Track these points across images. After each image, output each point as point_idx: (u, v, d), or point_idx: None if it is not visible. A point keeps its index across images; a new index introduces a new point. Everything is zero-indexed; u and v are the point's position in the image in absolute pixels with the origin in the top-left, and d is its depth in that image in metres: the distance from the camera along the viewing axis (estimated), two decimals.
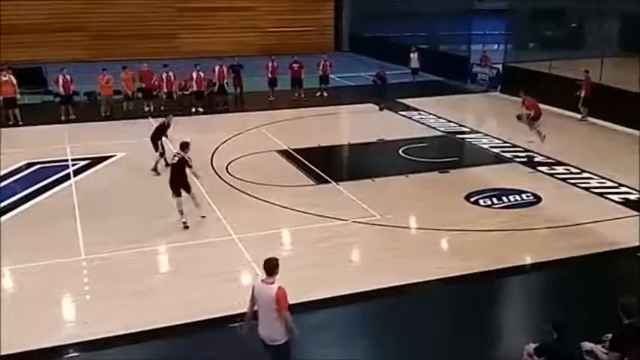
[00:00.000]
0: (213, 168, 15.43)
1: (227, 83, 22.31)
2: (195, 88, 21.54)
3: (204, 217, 12.16)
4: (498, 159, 16.29)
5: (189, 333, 8.46)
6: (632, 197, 13.19)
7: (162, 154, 14.78)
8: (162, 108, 21.44)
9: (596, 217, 12.04)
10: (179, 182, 11.81)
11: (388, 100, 22.72)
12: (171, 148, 13.99)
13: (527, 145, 17.06)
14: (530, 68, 23.50)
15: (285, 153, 16.60)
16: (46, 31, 31.03)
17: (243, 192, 13.69)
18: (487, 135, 18.36)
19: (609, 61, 21.38)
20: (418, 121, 20.42)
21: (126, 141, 17.35)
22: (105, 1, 32.46)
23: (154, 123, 19.54)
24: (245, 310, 7.01)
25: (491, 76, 25.71)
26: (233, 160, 15.88)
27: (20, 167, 15.30)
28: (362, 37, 35.91)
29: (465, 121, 20.14)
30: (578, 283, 9.83)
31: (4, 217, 12.32)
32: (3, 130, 18.70)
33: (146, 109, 21.32)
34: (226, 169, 15.28)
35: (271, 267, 6.61)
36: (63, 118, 20.25)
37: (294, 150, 16.75)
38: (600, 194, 13.46)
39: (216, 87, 22.07)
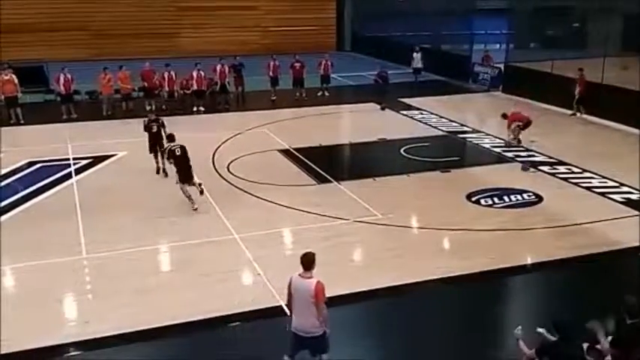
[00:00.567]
0: (215, 167, 15.43)
1: (228, 82, 22.31)
2: (195, 87, 21.55)
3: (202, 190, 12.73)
4: (500, 159, 16.27)
5: (190, 332, 8.45)
6: (634, 197, 13.16)
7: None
8: (163, 107, 21.49)
9: (597, 217, 12.03)
10: (188, 170, 12.54)
11: (390, 99, 22.72)
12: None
13: (528, 144, 17.05)
14: (532, 68, 23.51)
15: (286, 152, 16.60)
16: (48, 30, 31.07)
17: (244, 191, 13.68)
18: (489, 135, 18.34)
19: (612, 60, 21.33)
20: (420, 121, 20.41)
21: (127, 140, 17.34)
22: (106, 0, 32.48)
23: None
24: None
25: (492, 76, 25.68)
26: (234, 160, 15.88)
27: (22, 166, 15.33)
28: (364, 37, 35.90)
29: (467, 121, 20.12)
30: (580, 282, 9.83)
31: (5, 216, 12.33)
32: (5, 129, 18.73)
33: (147, 107, 21.22)
34: (227, 168, 15.28)
35: (308, 261, 6.76)
36: (64, 117, 20.27)
37: (296, 149, 16.75)
38: (602, 194, 13.44)
39: (218, 86, 22.08)
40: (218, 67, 22.00)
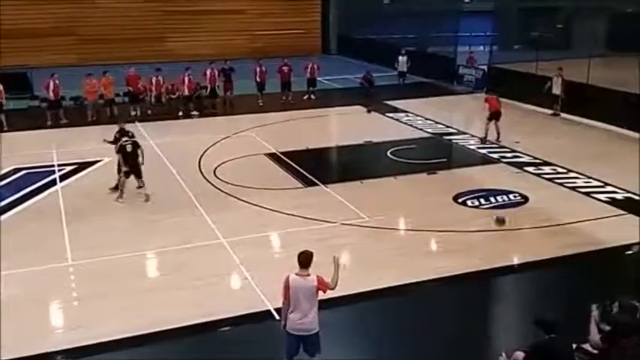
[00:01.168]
0: (201, 171, 15.38)
1: (218, 86, 22.32)
2: (187, 92, 21.56)
3: (148, 197, 13.18)
4: (485, 160, 16.37)
5: (178, 338, 8.42)
6: (618, 196, 13.29)
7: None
8: (149, 112, 21.41)
9: (582, 217, 12.13)
10: (137, 168, 13.13)
11: (376, 102, 22.80)
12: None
13: (513, 145, 17.17)
14: (516, 69, 23.68)
15: (273, 156, 16.59)
16: (33, 35, 30.79)
17: (231, 195, 13.65)
18: (474, 136, 18.44)
19: (596, 61, 21.55)
20: (406, 123, 20.49)
21: (112, 146, 17.19)
22: (92, 5, 32.30)
23: (140, 128, 19.54)
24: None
25: (477, 78, 25.84)
26: (221, 164, 15.84)
27: (7, 173, 15.18)
28: (349, 40, 35.98)
29: (452, 123, 20.22)
30: (567, 281, 9.90)
31: None
32: None
33: (132, 113, 21.23)
34: (214, 172, 15.24)
35: (306, 259, 6.88)
36: (49, 123, 20.13)
37: (283, 153, 16.74)
38: (587, 194, 13.56)
39: (207, 90, 22.07)
40: (208, 72, 22.00)
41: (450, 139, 18.48)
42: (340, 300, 9.01)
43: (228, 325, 8.70)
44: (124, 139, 13.23)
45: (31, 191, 13.98)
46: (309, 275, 6.84)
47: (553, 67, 21.31)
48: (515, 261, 10.67)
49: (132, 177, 13.29)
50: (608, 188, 13.76)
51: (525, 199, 13.24)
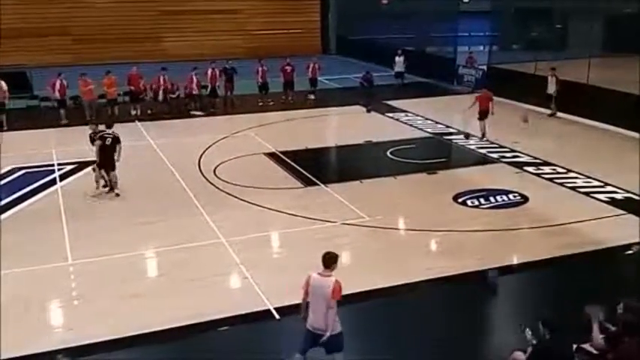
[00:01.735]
0: (201, 171, 15.37)
1: (218, 86, 22.33)
2: (196, 91, 21.72)
3: (118, 194, 13.43)
4: (485, 159, 16.37)
5: (178, 337, 8.40)
6: (618, 196, 13.30)
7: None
8: (149, 111, 21.40)
9: (582, 217, 12.13)
10: (111, 161, 13.35)
11: (375, 102, 22.79)
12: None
13: (512, 145, 17.18)
14: (515, 69, 23.69)
15: (273, 156, 16.58)
16: (29, 35, 30.76)
17: (231, 195, 13.64)
18: (473, 136, 18.45)
19: (594, 61, 21.57)
20: (405, 123, 20.49)
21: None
22: (87, 5, 32.27)
23: (140, 127, 19.54)
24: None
25: (477, 77, 25.85)
26: (221, 163, 15.83)
27: (6, 172, 15.16)
28: (349, 39, 36.00)
29: (452, 123, 20.23)
30: (566, 282, 9.90)
31: None
32: None
33: (133, 112, 21.23)
34: (214, 171, 15.23)
35: (329, 260, 6.90)
36: (64, 122, 20.12)
37: (282, 152, 16.73)
38: (587, 194, 13.56)
39: (208, 90, 22.09)
40: (209, 71, 22.02)
41: (450, 139, 18.48)
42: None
43: (228, 325, 8.68)
44: (107, 131, 13.55)
45: (31, 191, 13.96)
46: (329, 277, 6.86)
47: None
48: (515, 261, 10.67)
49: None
50: (608, 188, 13.76)
51: (525, 199, 13.24)
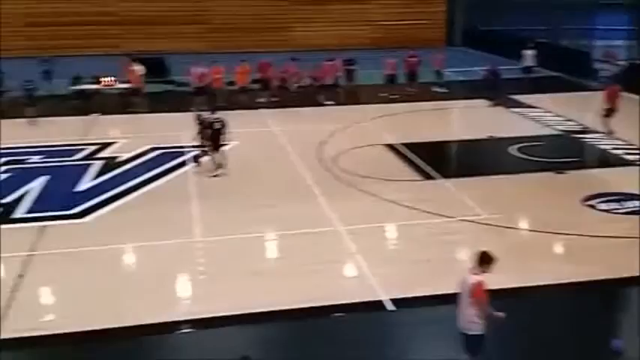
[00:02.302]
0: (321, 159, 15.67)
1: (340, 77, 22.58)
2: (329, 81, 22.04)
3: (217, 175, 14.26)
4: (621, 161, 15.33)
5: (293, 318, 8.68)
6: None
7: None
8: (274, 99, 21.92)
9: None
10: (219, 143, 14.41)
11: (501, 96, 21.98)
12: None
13: None
14: None
15: (393, 147, 16.55)
16: (168, 23, 32.65)
17: (349, 184, 13.81)
18: (614, 136, 17.24)
19: None
20: (532, 119, 19.63)
21: (239, 130, 17.90)
22: None
23: (267, 114, 20.19)
24: None
25: (615, 73, 24.16)
26: (340, 153, 16.05)
27: (145, 151, 16.27)
28: (476, 31, 34.90)
29: (585, 120, 19.09)
30: None
31: (126, 198, 13.19)
32: (128, 116, 20.01)
33: (261, 100, 21.91)
34: (334, 160, 15.47)
35: (481, 259, 6.80)
36: (195, 107, 21.02)
37: (403, 144, 16.64)
38: None
39: (333, 80, 22.37)
40: (331, 62, 22.34)
41: (582, 138, 17.47)
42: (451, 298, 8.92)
43: (340, 312, 8.85)
44: (214, 116, 14.60)
45: (166, 169, 14.90)
46: (475, 274, 6.78)
47: None
48: None
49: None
50: None
51: None
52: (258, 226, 11.77)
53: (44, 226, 11.67)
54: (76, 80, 21.59)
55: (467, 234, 11.26)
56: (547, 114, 20.10)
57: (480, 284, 6.67)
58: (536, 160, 15.36)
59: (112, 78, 21.54)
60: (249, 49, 27.66)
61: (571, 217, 11.83)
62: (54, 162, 15.58)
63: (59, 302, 9.47)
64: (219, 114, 14.92)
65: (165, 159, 15.58)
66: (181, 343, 8.41)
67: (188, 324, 8.62)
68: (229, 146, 15.68)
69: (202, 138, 14.84)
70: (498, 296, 8.96)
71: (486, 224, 11.56)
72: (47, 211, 12.43)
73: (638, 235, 10.86)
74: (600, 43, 27.60)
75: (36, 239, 11.11)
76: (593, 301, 9.13)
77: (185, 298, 9.60)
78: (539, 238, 11.08)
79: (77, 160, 15.79)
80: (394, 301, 8.92)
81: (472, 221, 11.69)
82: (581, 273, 9.68)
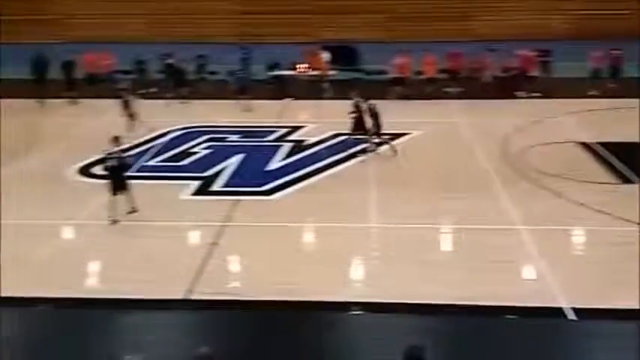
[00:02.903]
0: (507, 154, 15.09)
1: (535, 69, 21.50)
2: (529, 73, 21.31)
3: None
4: None
5: (456, 314, 8.54)
6: None
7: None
8: (461, 90, 21.33)
9: None
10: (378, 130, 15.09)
11: None
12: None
13: None
14: None
15: (587, 145, 15.40)
16: (347, 12, 33.08)
17: (535, 182, 13.17)
18: None
19: None
20: None
21: (423, 120, 17.88)
22: None
23: (454, 105, 19.80)
24: None
25: None
26: (529, 148, 15.30)
27: (329, 136, 16.92)
28: None
29: None
30: None
31: (311, 180, 13.83)
32: (315, 102, 20.73)
33: (448, 89, 21.52)
34: (520, 156, 14.82)
35: None
36: (394, 97, 20.83)
37: (599, 143, 15.41)
38: None
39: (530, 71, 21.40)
40: (522, 53, 21.40)
41: None
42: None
43: (513, 314, 8.54)
44: (371, 102, 15.13)
45: (347, 155, 15.33)
46: None
47: None
48: None
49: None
50: None
51: None
52: (434, 217, 11.74)
53: (238, 200, 12.72)
54: (273, 67, 23.03)
55: None
56: None
57: None
58: None
59: (306, 65, 22.66)
60: (432, 38, 27.22)
61: None
62: (249, 141, 16.85)
63: (244, 271, 10.31)
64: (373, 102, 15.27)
65: (347, 145, 16.03)
66: (351, 323, 8.70)
67: (358, 306, 8.87)
68: (412, 135, 15.82)
69: (359, 125, 15.32)
70: None
71: None
72: (241, 186, 13.53)
73: None
74: None
75: (229, 212, 12.15)
76: None
77: (357, 280, 9.89)
78: None
79: (270, 141, 16.92)
80: (577, 310, 8.39)
81: None
82: None
